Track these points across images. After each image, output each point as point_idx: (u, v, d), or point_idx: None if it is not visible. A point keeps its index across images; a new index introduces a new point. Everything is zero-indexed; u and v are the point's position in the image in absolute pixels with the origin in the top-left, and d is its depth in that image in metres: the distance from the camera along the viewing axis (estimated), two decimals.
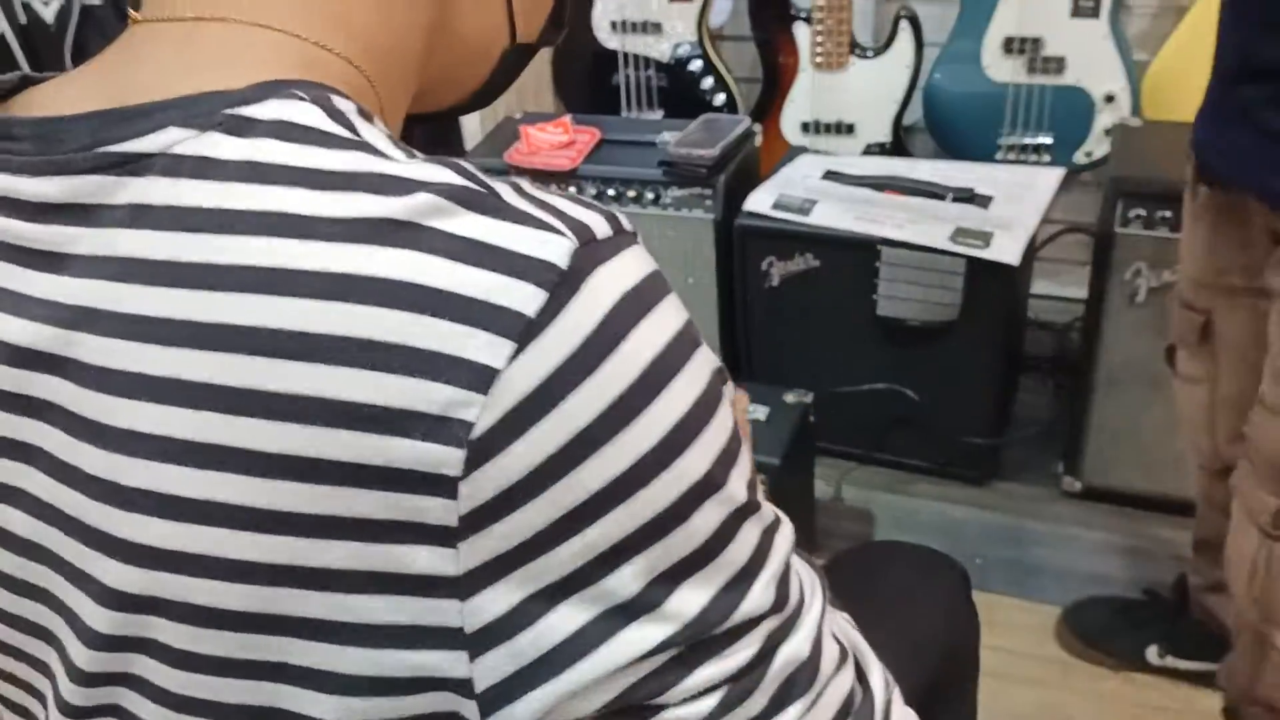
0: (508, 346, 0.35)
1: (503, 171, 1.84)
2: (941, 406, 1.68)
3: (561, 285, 0.35)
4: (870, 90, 1.96)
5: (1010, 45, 1.84)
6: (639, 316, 0.37)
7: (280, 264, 0.35)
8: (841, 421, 1.73)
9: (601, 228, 0.38)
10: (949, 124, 1.96)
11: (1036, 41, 1.82)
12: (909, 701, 0.74)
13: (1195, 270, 1.13)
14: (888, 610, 0.82)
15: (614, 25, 2.08)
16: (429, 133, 2.04)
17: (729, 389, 0.44)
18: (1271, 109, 0.93)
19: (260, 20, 0.41)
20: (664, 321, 0.38)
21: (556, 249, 0.36)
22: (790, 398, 1.52)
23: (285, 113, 0.38)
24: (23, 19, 2.17)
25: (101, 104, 0.40)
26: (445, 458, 0.35)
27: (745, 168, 1.81)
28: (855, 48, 1.94)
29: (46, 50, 2.15)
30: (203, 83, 0.39)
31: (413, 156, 0.38)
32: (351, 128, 0.38)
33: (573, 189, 1.81)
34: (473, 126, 1.99)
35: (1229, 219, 1.06)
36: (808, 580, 0.46)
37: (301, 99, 0.39)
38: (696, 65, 2.08)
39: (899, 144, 1.99)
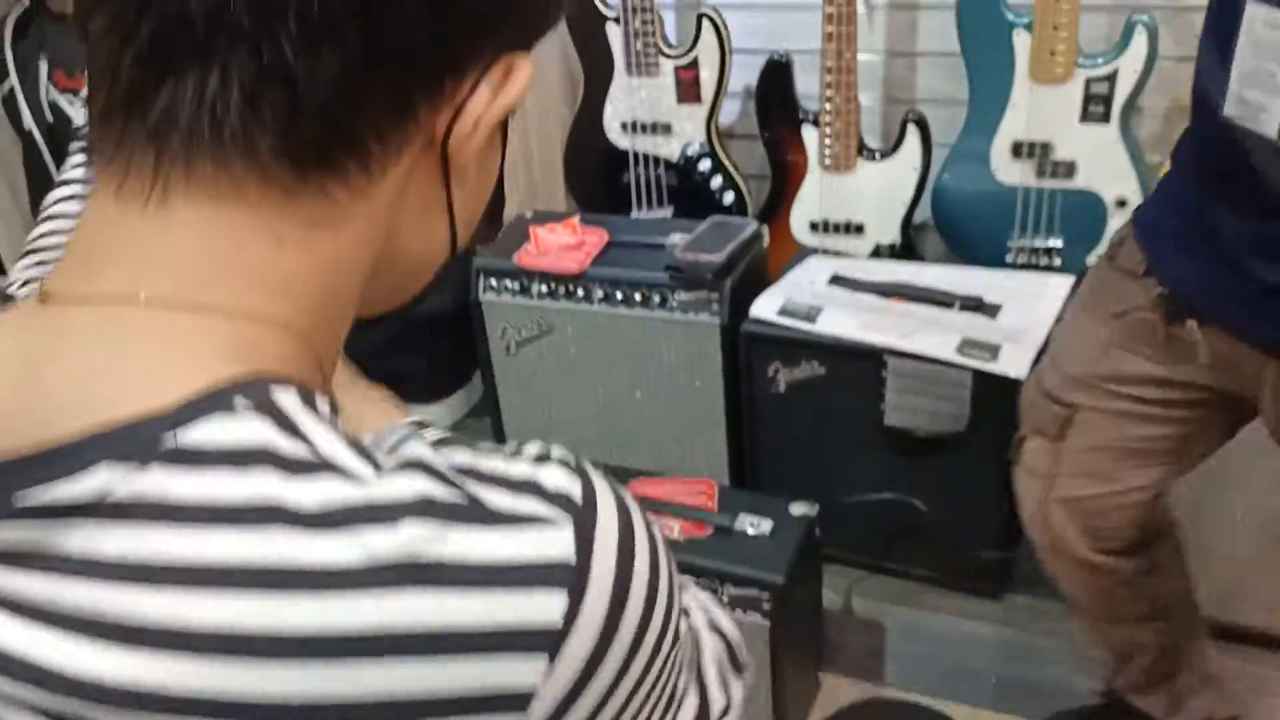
0: (541, 662, 0.35)
1: (514, 274, 1.84)
2: (952, 518, 1.64)
3: (576, 580, 0.36)
4: (879, 191, 1.96)
5: (1019, 149, 1.84)
6: (630, 568, 0.38)
7: (286, 630, 0.34)
8: (850, 530, 1.69)
9: (573, 487, 0.38)
10: (958, 225, 1.95)
11: (1046, 146, 1.82)
12: None
13: (1077, 367, 1.11)
14: None
15: (624, 126, 2.10)
16: None
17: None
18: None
19: (187, 300, 0.38)
20: (644, 553, 0.39)
21: (559, 544, 0.36)
22: (796, 510, 1.49)
23: (232, 436, 0.35)
24: (50, 118, 2.22)
25: (9, 405, 0.37)
26: None
27: (752, 270, 1.80)
28: (864, 149, 1.95)
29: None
30: (126, 385, 0.36)
31: (370, 459, 0.37)
32: (304, 436, 0.36)
33: (581, 291, 1.81)
34: None
35: (1179, 343, 1.02)
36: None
37: (244, 412, 0.36)
38: (705, 165, 2.09)
39: (908, 244, 1.99)
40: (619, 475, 1.55)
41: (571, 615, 0.36)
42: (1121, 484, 1.16)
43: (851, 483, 1.68)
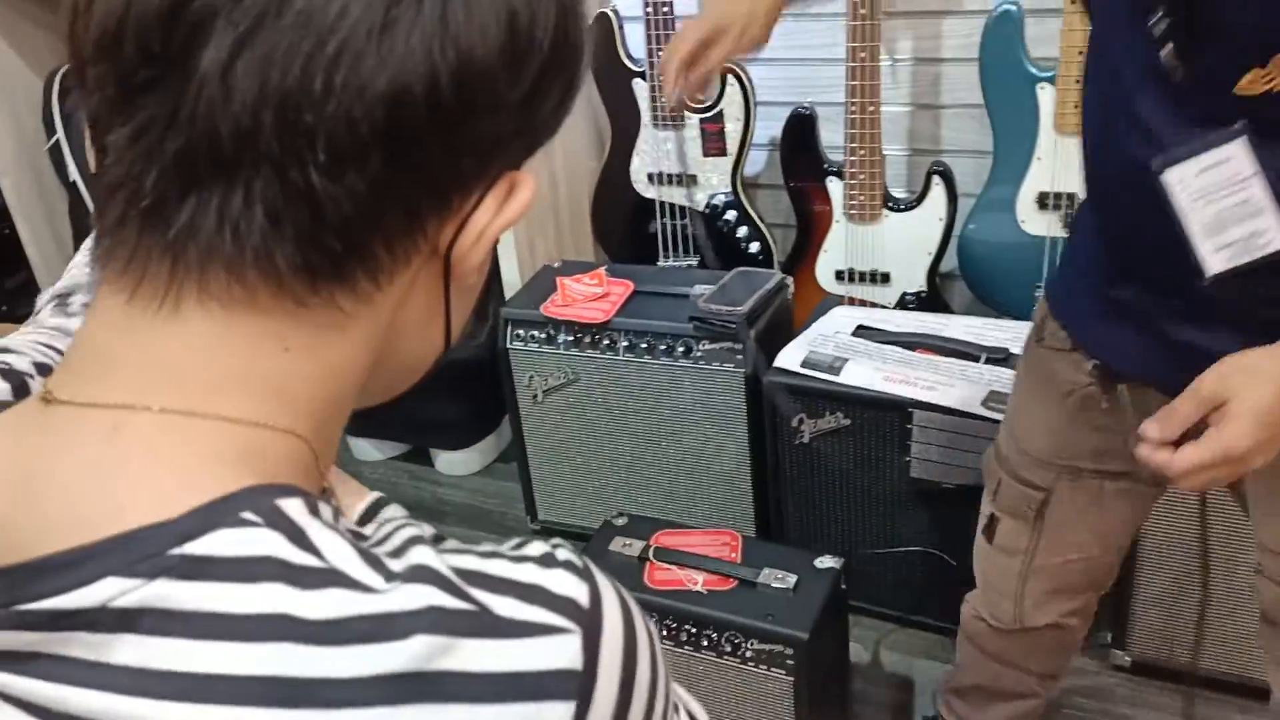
0: None
1: (541, 324, 1.86)
2: None
3: (583, 688, 0.36)
4: (904, 241, 1.97)
5: (1045, 200, 1.84)
6: (634, 668, 0.38)
7: None
8: (878, 582, 1.68)
9: (579, 593, 0.38)
10: (984, 274, 1.95)
11: (1071, 197, 1.82)
12: None
13: (1041, 450, 1.10)
14: None
15: (650, 177, 2.13)
16: None
17: None
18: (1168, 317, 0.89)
19: (194, 408, 0.38)
20: (645, 651, 0.39)
21: (568, 654, 0.37)
22: (821, 563, 1.48)
23: (240, 547, 0.35)
24: (93, 166, 2.29)
25: (10, 511, 0.37)
26: None
27: (777, 321, 1.81)
28: (889, 200, 1.96)
29: None
30: (132, 493, 0.36)
31: (379, 566, 0.37)
32: (312, 546, 0.36)
33: (606, 341, 1.83)
34: (512, 277, 2.03)
35: (1107, 406, 1.01)
36: None
37: (253, 524, 0.36)
38: (731, 215, 2.11)
39: (935, 293, 1.99)
40: (648, 526, 1.57)
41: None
42: (1106, 547, 1.16)
43: (878, 535, 1.67)
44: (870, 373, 1.63)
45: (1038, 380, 1.10)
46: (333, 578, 0.36)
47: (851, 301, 2.03)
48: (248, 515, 0.36)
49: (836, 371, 1.64)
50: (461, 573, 0.37)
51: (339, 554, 0.37)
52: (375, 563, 0.37)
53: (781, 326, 1.82)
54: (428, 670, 0.34)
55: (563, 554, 0.40)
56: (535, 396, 1.93)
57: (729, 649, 1.40)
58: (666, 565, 1.48)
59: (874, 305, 2.01)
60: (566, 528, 1.97)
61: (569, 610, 0.37)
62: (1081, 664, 1.66)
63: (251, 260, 0.37)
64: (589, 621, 0.37)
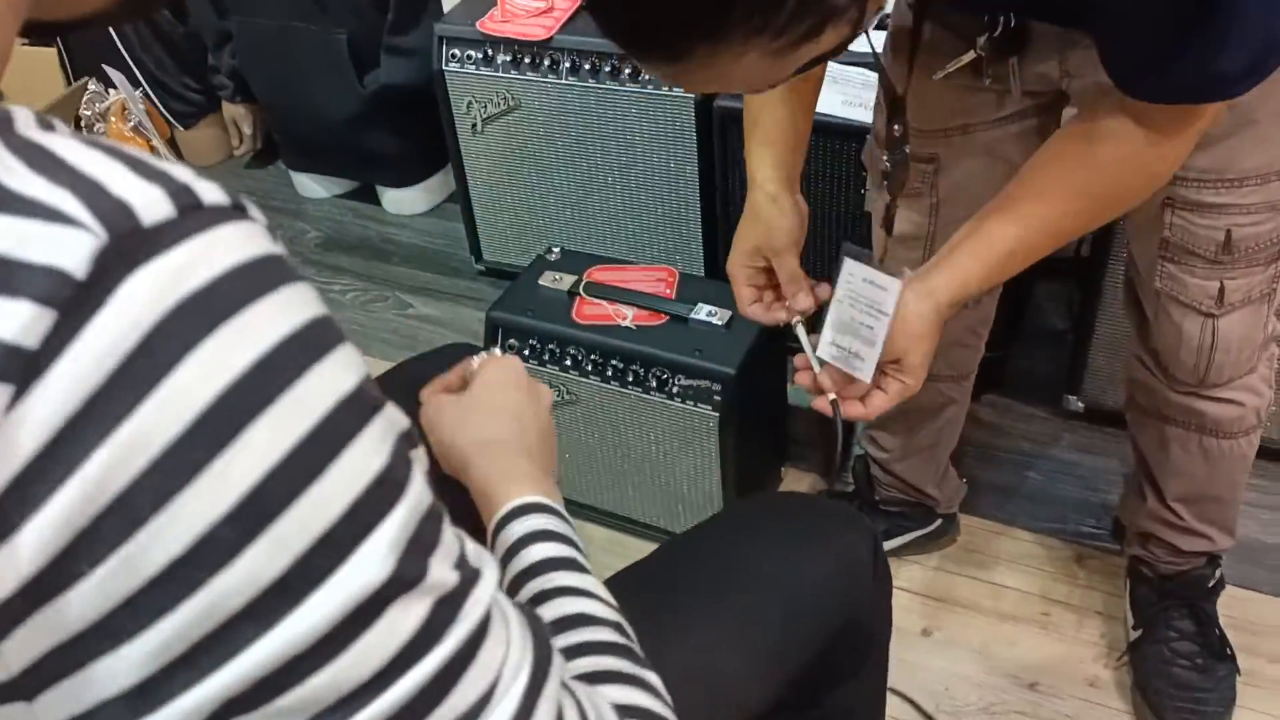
0: (2, 393, 0.27)
1: (477, 42, 1.69)
2: None
3: (79, 300, 0.27)
4: None
5: None
6: (204, 330, 0.28)
7: None
8: None
9: (154, 208, 0.28)
10: None
11: None
12: (790, 675, 0.65)
13: (914, 119, 1.03)
14: (764, 572, 0.72)
15: None
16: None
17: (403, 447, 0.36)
18: None
19: None
20: (252, 330, 0.29)
21: (70, 248, 0.27)
22: None
23: None
24: None
25: None
26: None
27: None
28: None
29: None
30: None
31: None
32: None
33: (547, 60, 1.66)
34: None
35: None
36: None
37: None
38: None
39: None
40: (583, 261, 1.47)
41: (55, 343, 0.27)
42: None
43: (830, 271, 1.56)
44: (831, 97, 1.48)
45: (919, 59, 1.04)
46: None
47: None
48: None
49: None
50: (29, 145, 0.29)
51: None
52: None
53: None
54: None
55: (212, 190, 0.30)
56: (474, 126, 1.78)
57: (655, 384, 1.34)
58: (596, 300, 1.39)
59: None
60: (513, 268, 1.87)
61: (114, 213, 0.28)
62: (1032, 411, 1.62)
63: None
64: (139, 238, 0.28)
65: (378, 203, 2.21)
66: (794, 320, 0.97)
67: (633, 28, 0.61)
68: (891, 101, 0.97)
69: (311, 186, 2.25)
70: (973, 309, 1.24)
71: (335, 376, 0.32)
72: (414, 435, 0.36)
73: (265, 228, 0.33)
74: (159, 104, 2.20)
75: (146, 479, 0.28)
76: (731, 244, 1.02)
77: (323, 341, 0.32)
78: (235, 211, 0.31)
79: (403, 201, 2.18)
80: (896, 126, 0.97)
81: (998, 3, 0.96)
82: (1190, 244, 1.01)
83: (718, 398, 1.31)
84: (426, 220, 2.17)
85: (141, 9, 0.44)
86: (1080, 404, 1.54)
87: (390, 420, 0.35)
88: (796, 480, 1.56)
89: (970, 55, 0.99)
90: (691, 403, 1.32)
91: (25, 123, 0.30)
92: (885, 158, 1.01)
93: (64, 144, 0.30)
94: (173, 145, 2.29)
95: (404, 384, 0.94)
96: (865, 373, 0.87)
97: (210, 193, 0.31)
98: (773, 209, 0.99)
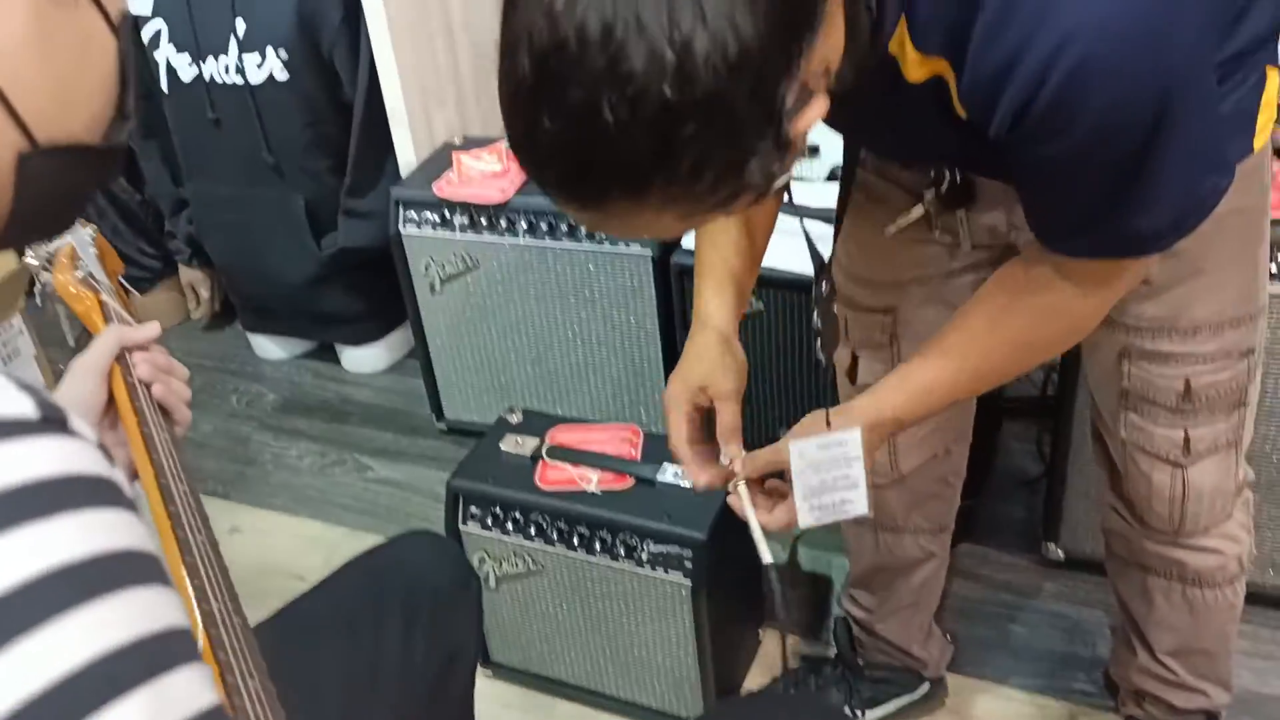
0: None
1: (434, 205, 1.69)
2: None
3: None
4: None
5: None
6: None
7: None
8: None
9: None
10: None
11: None
12: None
13: (869, 272, 1.09)
14: None
15: None
16: (362, 157, 1.90)
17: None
18: None
19: None
20: (30, 547, 0.27)
21: None
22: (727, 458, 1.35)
23: None
24: None
25: None
26: None
27: None
28: None
29: None
30: None
31: None
32: None
33: (505, 223, 1.67)
34: (407, 155, 1.84)
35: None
36: None
37: None
38: None
39: None
40: (545, 422, 1.43)
41: None
42: None
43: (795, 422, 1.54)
44: (789, 253, 1.48)
45: (865, 211, 1.06)
46: None
47: None
48: None
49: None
50: None
51: None
52: None
53: None
54: None
55: (16, 401, 0.29)
56: (433, 286, 1.77)
57: (624, 552, 1.29)
58: (560, 464, 1.35)
59: (799, 180, 1.84)
60: (475, 426, 1.83)
61: None
62: (1012, 560, 1.58)
63: None
64: None
65: (337, 361, 2.18)
66: (734, 485, 0.92)
67: (559, 179, 0.61)
68: (817, 261, 0.98)
69: (269, 348, 2.22)
70: (943, 459, 1.22)
71: (118, 618, 0.27)
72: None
73: (94, 446, 0.30)
74: None
75: None
76: (671, 376, 0.98)
77: (116, 577, 0.28)
78: (47, 425, 0.28)
79: (362, 359, 2.15)
80: (824, 284, 0.97)
81: (923, 159, 0.98)
82: (1150, 394, 1.01)
83: (689, 564, 1.26)
84: (386, 378, 2.14)
85: (35, 224, 0.42)
86: (1060, 552, 1.50)
87: (175, 693, 0.28)
88: (775, 643, 1.49)
89: (919, 210, 1.01)
90: (662, 569, 1.27)
91: None
92: (815, 314, 1.00)
93: None
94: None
95: (356, 581, 0.89)
96: (861, 507, 0.89)
97: (12, 403, 0.28)
98: (725, 350, 0.97)
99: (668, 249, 1.56)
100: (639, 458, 1.35)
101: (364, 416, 2.04)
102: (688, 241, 1.54)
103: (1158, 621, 1.14)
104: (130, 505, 0.30)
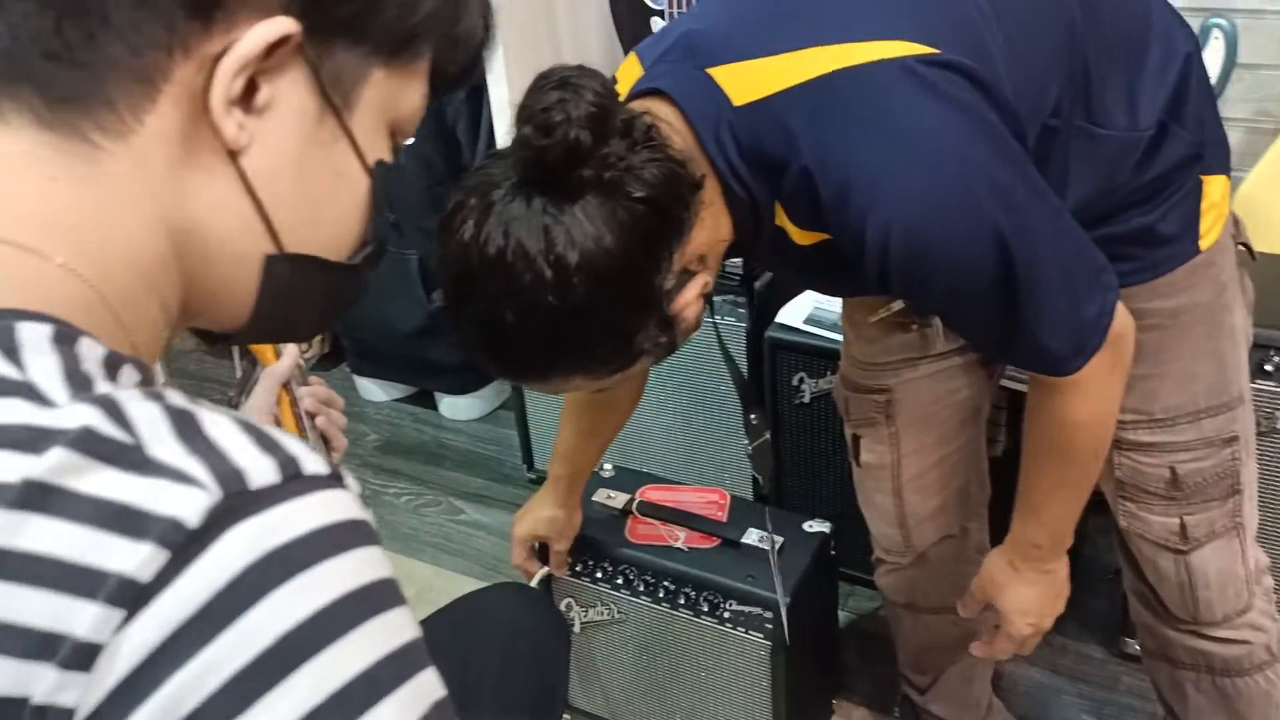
0: (116, 617, 0.32)
1: None
2: (992, 541, 1.54)
3: (189, 545, 0.32)
4: None
5: None
6: (281, 578, 0.33)
7: None
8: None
9: (262, 475, 0.34)
10: None
11: None
12: None
13: (862, 354, 1.16)
14: None
15: None
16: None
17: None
18: None
19: None
20: (320, 583, 0.34)
21: (190, 504, 0.32)
22: (810, 527, 1.41)
23: None
24: None
25: None
26: None
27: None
28: None
29: None
30: None
31: (79, 390, 0.35)
32: (21, 362, 0.36)
33: None
34: None
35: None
36: None
37: None
38: None
39: None
40: (636, 479, 1.50)
41: (165, 577, 0.32)
42: (964, 426, 1.18)
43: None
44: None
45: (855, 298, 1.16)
46: (21, 389, 0.35)
47: None
48: None
49: (840, 330, 1.55)
50: (170, 410, 0.35)
51: (43, 371, 0.35)
52: (79, 386, 0.35)
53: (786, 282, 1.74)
54: (50, 483, 0.33)
55: (315, 462, 0.36)
56: None
57: (707, 609, 1.34)
58: (650, 520, 1.42)
59: None
60: None
61: (228, 479, 0.33)
62: (1088, 651, 1.58)
63: None
64: (244, 499, 0.33)
65: (435, 407, 2.29)
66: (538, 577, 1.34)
67: (485, 363, 0.79)
68: (742, 387, 1.15)
69: (373, 390, 2.35)
70: (961, 539, 1.25)
71: (384, 634, 0.35)
72: (447, 708, 0.38)
73: (356, 496, 0.38)
74: None
75: (213, 701, 0.32)
76: (533, 504, 1.29)
77: (380, 601, 0.36)
78: (331, 480, 0.36)
79: (459, 407, 2.26)
80: (753, 417, 1.12)
81: (856, 295, 1.12)
82: (1140, 482, 1.05)
83: (769, 625, 1.30)
84: (481, 426, 2.24)
85: (277, 328, 0.51)
86: (1137, 646, 1.50)
87: (426, 687, 0.37)
88: (849, 713, 1.51)
89: (899, 303, 1.10)
90: (743, 629, 1.32)
91: (173, 394, 0.37)
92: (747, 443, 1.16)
93: (204, 415, 0.36)
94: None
95: (453, 625, 0.95)
96: None
97: (312, 464, 0.36)
98: (570, 505, 1.29)
99: (761, 323, 1.63)
100: (725, 520, 1.41)
101: (458, 461, 2.14)
102: (783, 316, 1.61)
103: (1195, 712, 1.15)
104: (379, 540, 0.38)
